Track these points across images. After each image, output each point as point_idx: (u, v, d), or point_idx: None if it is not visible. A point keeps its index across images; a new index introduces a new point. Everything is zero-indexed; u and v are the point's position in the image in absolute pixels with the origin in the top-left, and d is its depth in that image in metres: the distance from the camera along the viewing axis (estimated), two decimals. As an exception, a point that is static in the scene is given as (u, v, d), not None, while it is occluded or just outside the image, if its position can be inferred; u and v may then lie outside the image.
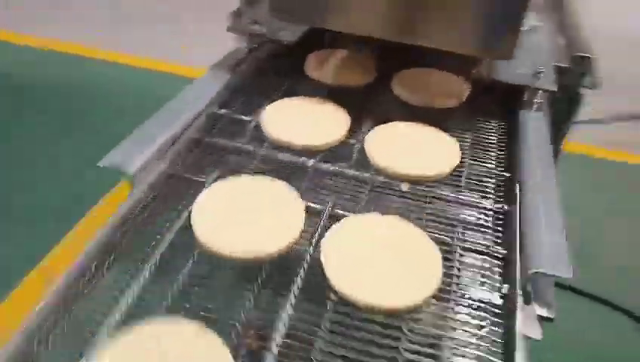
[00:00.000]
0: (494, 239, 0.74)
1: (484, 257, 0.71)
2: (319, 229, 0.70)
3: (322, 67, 1.05)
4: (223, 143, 0.86)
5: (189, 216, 0.69)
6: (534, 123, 0.90)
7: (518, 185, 0.77)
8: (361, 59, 1.09)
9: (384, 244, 0.68)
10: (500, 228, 0.75)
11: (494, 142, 0.93)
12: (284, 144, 0.85)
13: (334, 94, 0.96)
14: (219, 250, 0.65)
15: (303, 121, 0.90)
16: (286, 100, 0.94)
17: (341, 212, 0.74)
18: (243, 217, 0.70)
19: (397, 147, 0.85)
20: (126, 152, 0.73)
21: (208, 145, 0.86)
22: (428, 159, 0.83)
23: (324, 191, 0.80)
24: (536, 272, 0.62)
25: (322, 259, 0.65)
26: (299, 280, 0.63)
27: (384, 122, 0.91)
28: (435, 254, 0.67)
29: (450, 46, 0.88)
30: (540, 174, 0.78)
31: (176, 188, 0.77)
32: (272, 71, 1.06)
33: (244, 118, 0.91)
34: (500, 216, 0.77)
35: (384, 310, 0.61)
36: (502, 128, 0.96)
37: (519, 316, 0.60)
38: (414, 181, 0.81)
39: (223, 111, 0.91)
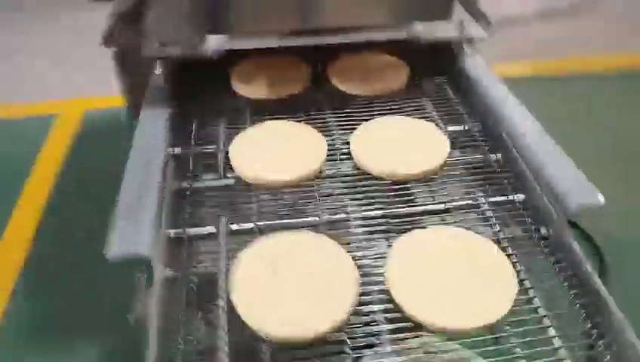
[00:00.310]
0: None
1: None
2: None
3: (252, 81, 0.98)
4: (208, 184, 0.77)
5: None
6: (478, 70, 0.94)
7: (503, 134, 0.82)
8: (291, 65, 1.03)
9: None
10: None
11: (453, 98, 0.96)
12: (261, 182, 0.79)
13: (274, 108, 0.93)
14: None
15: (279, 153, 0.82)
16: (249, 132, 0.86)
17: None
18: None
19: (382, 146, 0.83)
20: (130, 234, 0.62)
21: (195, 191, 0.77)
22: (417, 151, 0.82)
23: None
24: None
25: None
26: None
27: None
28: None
29: (383, 18, 0.89)
30: (515, 112, 0.84)
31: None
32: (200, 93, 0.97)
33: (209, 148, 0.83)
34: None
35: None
36: (451, 84, 1.00)
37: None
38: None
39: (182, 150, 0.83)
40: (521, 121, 0.81)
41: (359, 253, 0.68)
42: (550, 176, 0.71)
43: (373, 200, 0.76)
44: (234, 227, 0.72)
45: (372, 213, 0.74)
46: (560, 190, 0.69)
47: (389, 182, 0.78)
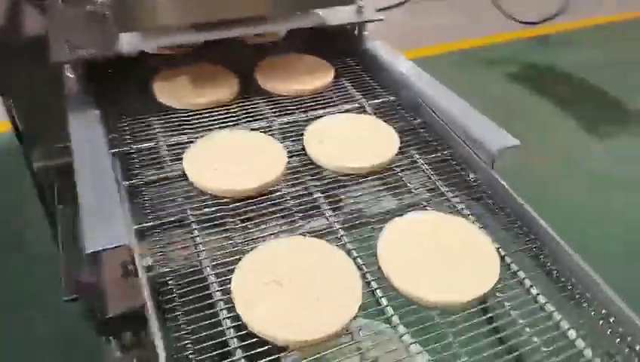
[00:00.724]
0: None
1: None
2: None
3: (177, 89, 0.95)
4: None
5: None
6: (382, 49, 1.03)
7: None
8: (217, 72, 1.01)
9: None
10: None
11: (366, 76, 1.04)
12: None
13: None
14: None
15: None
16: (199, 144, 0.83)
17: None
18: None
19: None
20: (105, 229, 0.60)
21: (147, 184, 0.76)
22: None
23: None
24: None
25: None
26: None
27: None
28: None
29: (290, 7, 0.94)
30: (425, 81, 0.94)
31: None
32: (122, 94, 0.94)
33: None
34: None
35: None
36: (361, 65, 1.07)
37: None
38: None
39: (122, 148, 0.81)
40: (432, 88, 0.91)
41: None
42: (470, 129, 0.82)
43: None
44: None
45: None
46: (481, 139, 0.80)
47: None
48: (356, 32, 1.06)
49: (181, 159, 0.79)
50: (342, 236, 0.70)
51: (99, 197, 0.64)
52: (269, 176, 0.76)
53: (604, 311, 0.61)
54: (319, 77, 1.00)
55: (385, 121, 0.90)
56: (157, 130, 0.86)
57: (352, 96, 0.98)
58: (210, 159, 0.78)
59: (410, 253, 0.67)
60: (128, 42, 0.88)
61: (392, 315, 0.61)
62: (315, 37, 1.08)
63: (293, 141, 0.86)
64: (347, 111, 0.93)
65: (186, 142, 0.83)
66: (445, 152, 0.85)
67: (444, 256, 0.67)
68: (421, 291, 0.62)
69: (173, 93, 0.93)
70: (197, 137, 0.84)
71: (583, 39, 3.71)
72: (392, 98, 0.97)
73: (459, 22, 3.62)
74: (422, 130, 0.90)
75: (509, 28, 3.57)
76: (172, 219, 0.70)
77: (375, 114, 0.92)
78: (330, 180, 0.79)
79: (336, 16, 1.02)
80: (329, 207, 0.74)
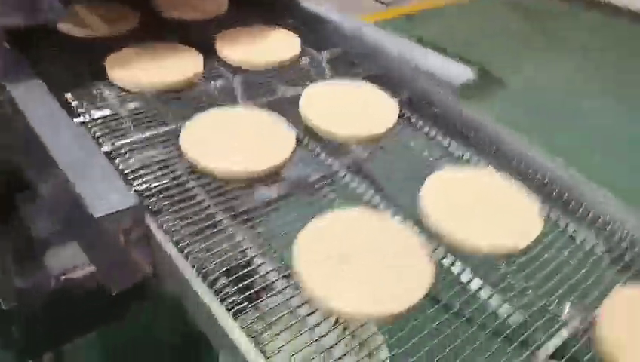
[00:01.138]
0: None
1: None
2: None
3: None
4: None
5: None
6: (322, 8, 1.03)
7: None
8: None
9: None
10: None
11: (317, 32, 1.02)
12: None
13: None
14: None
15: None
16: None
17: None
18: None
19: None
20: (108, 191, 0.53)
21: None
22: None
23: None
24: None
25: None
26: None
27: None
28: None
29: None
30: (375, 32, 0.94)
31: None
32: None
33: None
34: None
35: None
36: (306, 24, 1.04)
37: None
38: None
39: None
40: (384, 37, 0.93)
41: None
42: (428, 67, 0.85)
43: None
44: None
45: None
46: (441, 74, 0.83)
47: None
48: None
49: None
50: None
51: (86, 164, 0.57)
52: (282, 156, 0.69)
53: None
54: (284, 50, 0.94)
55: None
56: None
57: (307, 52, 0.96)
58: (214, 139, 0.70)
59: (457, 207, 0.66)
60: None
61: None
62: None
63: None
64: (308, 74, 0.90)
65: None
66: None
67: (489, 208, 0.67)
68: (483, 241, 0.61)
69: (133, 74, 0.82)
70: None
71: (437, 15, 4.04)
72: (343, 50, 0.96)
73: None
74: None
75: (375, 9, 3.77)
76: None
77: (329, 63, 0.92)
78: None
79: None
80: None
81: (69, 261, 1.03)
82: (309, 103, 0.79)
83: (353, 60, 0.94)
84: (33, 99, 0.67)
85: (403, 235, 0.61)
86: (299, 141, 0.73)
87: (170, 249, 0.53)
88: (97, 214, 0.50)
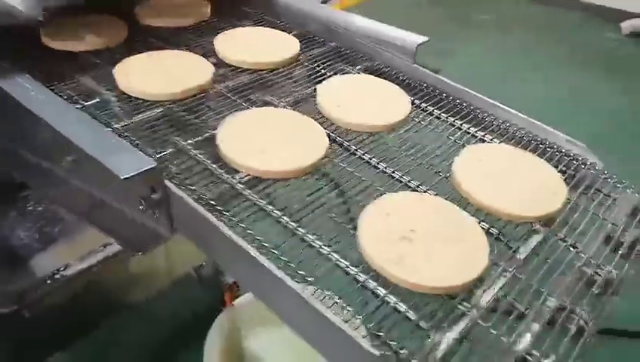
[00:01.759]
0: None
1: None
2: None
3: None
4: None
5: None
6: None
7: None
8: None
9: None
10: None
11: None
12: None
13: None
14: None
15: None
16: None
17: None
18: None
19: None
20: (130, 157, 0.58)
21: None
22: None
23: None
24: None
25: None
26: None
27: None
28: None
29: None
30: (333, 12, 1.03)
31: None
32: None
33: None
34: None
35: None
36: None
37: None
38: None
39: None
40: (345, 16, 1.01)
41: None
42: (388, 39, 0.93)
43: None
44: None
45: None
46: (398, 43, 0.92)
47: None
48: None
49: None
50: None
51: (100, 138, 0.61)
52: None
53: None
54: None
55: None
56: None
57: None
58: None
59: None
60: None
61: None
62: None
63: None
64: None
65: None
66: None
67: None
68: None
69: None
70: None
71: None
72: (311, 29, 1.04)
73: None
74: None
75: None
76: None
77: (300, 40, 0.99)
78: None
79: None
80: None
81: (58, 262, 1.06)
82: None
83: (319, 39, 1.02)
84: (37, 96, 0.71)
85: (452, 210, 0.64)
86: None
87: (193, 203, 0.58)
88: (123, 175, 0.55)
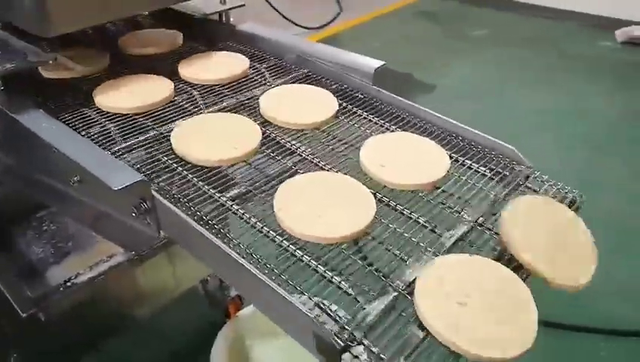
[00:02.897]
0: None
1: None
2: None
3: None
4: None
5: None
6: (256, 27, 1.24)
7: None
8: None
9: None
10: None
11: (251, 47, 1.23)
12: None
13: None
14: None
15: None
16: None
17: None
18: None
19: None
20: (122, 171, 0.72)
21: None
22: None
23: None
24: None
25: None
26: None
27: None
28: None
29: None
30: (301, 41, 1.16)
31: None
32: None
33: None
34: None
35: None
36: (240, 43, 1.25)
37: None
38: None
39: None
40: (309, 45, 1.15)
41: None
42: (345, 63, 1.07)
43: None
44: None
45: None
46: (359, 66, 1.05)
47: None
48: (224, 18, 1.25)
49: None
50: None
51: (99, 157, 0.75)
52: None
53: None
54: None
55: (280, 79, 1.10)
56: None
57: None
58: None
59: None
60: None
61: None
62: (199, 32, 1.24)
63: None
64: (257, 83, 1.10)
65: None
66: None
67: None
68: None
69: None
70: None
71: (362, 33, 4.40)
72: (278, 60, 1.17)
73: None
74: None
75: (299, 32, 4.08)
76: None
77: (268, 71, 1.12)
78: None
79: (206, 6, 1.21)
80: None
81: (70, 272, 1.20)
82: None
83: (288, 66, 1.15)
84: (40, 122, 0.85)
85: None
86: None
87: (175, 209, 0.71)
88: (115, 187, 0.68)
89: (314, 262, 0.66)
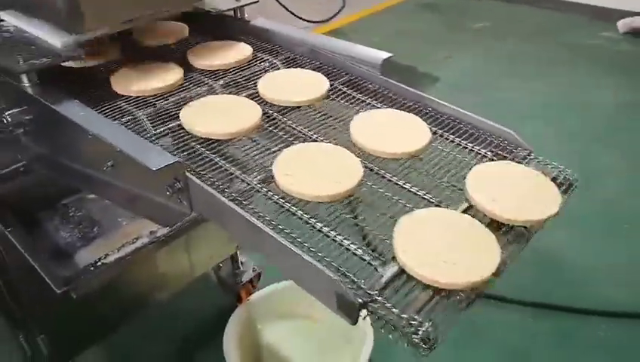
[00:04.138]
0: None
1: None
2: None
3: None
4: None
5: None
6: (267, 22, 1.31)
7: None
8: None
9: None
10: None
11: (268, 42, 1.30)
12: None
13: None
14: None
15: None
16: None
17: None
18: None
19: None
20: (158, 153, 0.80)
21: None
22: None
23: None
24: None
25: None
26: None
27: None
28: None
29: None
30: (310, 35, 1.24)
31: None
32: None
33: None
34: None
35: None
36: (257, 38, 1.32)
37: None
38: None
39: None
40: (319, 38, 1.22)
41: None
42: (356, 55, 1.14)
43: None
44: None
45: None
46: (368, 57, 1.12)
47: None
48: (238, 14, 1.33)
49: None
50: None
51: (135, 141, 0.83)
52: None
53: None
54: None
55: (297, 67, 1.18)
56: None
57: (263, 58, 1.23)
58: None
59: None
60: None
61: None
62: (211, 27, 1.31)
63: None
64: (265, 70, 1.17)
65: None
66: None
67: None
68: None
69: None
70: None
71: (364, 26, 4.47)
72: (291, 53, 1.24)
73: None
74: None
75: (303, 26, 4.15)
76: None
77: (283, 63, 1.20)
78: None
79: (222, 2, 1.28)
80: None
81: (96, 254, 1.28)
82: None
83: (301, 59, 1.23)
84: (78, 111, 0.93)
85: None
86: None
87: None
88: (154, 168, 0.76)
89: (333, 233, 0.75)
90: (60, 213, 1.41)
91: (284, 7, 4.05)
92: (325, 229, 0.75)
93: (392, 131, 0.97)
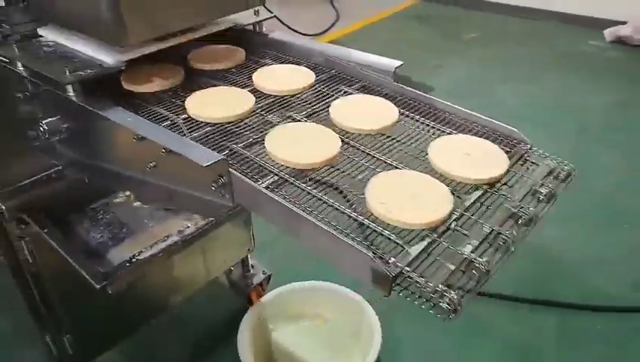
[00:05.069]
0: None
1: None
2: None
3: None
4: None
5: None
6: (286, 35, 1.41)
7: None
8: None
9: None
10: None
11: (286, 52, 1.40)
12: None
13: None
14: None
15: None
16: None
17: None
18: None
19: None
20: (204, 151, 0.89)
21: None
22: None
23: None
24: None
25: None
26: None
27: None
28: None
29: (211, 15, 1.25)
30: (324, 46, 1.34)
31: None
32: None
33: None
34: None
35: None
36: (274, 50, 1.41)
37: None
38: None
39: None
40: (332, 49, 1.32)
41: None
42: (368, 63, 1.24)
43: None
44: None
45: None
46: (379, 66, 1.23)
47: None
48: (257, 28, 1.43)
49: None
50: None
51: (180, 141, 0.92)
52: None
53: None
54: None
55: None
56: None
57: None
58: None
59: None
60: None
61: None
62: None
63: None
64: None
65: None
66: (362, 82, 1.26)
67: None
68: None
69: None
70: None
71: (359, 38, 4.59)
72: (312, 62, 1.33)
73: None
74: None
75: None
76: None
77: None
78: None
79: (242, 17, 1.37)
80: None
81: (127, 253, 1.36)
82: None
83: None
84: (125, 116, 1.02)
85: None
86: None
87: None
88: (204, 164, 0.85)
89: (361, 217, 0.84)
90: (89, 216, 1.49)
91: (280, 21, 4.17)
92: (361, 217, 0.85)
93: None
